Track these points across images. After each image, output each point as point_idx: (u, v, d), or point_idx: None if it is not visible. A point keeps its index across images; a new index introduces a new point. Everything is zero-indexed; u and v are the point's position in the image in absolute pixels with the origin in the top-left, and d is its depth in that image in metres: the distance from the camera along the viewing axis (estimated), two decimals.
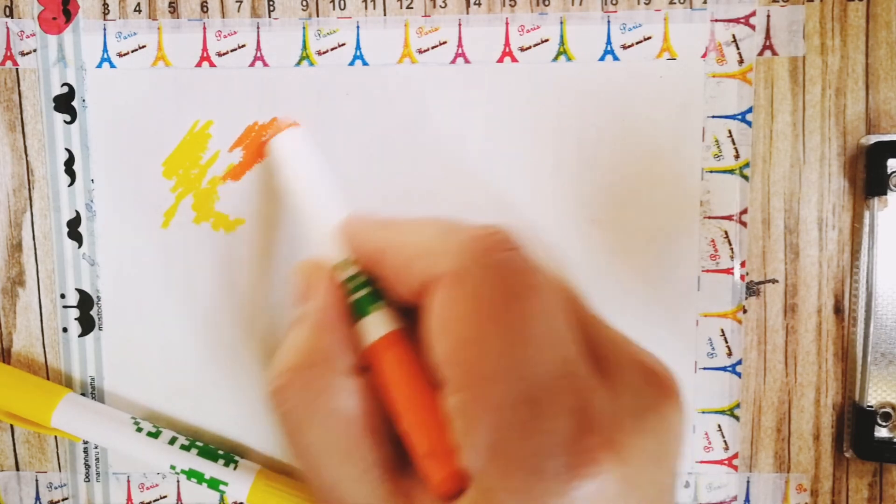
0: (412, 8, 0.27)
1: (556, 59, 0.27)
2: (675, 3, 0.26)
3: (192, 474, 0.27)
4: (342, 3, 0.27)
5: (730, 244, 0.27)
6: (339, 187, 0.25)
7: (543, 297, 0.17)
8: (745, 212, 0.27)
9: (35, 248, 0.28)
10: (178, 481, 0.29)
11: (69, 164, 0.28)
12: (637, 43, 0.26)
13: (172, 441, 0.27)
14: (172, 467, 0.27)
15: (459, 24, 0.27)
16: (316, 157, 0.26)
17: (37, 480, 0.29)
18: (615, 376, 0.17)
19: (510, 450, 0.16)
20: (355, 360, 0.20)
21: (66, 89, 0.27)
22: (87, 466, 0.29)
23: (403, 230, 0.20)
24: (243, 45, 0.27)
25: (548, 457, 0.15)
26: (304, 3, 0.27)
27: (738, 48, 0.26)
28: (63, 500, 0.29)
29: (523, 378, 0.16)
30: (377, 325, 0.20)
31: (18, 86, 0.27)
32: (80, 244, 0.28)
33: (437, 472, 0.17)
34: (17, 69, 0.27)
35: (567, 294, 0.19)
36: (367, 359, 0.20)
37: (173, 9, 0.27)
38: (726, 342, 0.28)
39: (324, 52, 0.27)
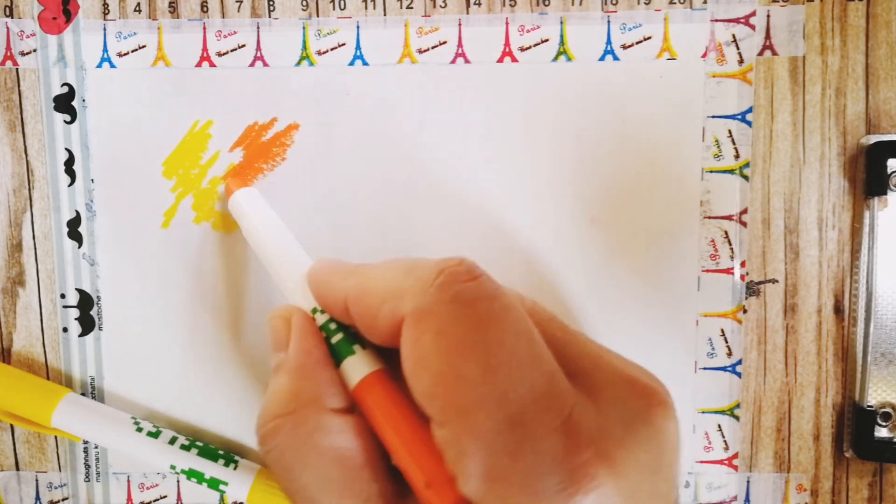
0: (412, 8, 0.27)
1: (556, 59, 0.27)
2: (675, 3, 0.26)
3: (192, 474, 0.27)
4: (342, 3, 0.27)
5: (730, 244, 0.27)
6: (345, 184, 0.25)
7: (513, 318, 0.17)
8: (745, 212, 0.27)
9: (35, 248, 0.28)
10: (178, 481, 0.29)
11: (69, 164, 0.28)
12: (637, 43, 0.26)
13: (172, 441, 0.27)
14: (172, 467, 0.27)
15: (459, 24, 0.27)
16: (272, 212, 0.26)
17: (37, 480, 0.29)
18: (598, 390, 0.17)
19: (504, 474, 0.16)
20: (343, 400, 0.20)
21: (66, 89, 0.27)
22: (87, 466, 0.29)
23: (366, 277, 0.20)
24: (243, 45, 0.27)
25: (542, 476, 0.15)
26: (304, 3, 0.27)
27: (738, 48, 0.26)
28: (63, 500, 0.29)
29: (505, 402, 0.16)
30: (357, 367, 0.20)
31: (18, 86, 0.27)
32: (80, 244, 0.28)
33: (440, 502, 0.17)
34: (17, 69, 0.27)
35: (539, 315, 0.19)
36: (354, 400, 0.20)
37: (173, 9, 0.27)
38: (726, 342, 0.28)
39: (324, 52, 0.27)
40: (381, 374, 0.20)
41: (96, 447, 0.29)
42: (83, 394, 0.28)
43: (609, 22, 0.26)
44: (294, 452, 0.19)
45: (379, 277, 0.19)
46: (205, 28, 0.27)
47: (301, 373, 0.20)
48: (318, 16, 0.27)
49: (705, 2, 0.26)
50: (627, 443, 0.16)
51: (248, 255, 0.28)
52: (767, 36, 0.26)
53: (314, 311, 0.22)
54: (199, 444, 0.27)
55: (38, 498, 0.29)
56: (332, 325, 0.21)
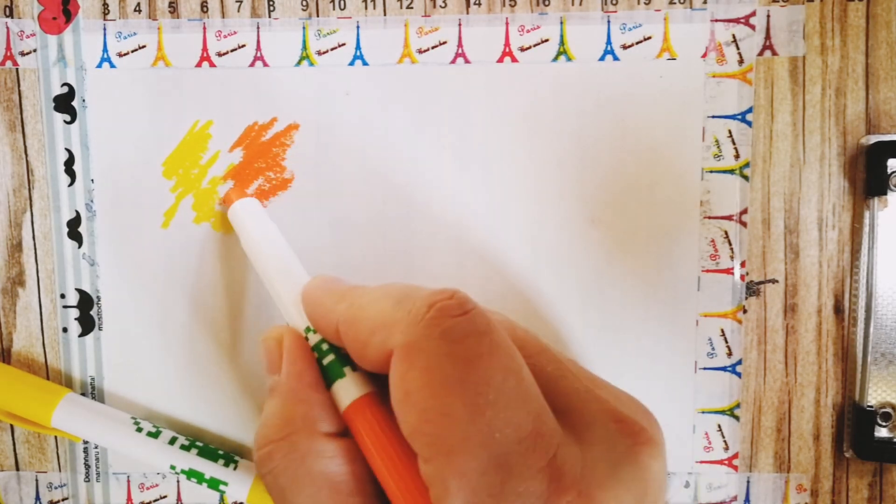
0: (412, 8, 0.27)
1: (556, 59, 0.27)
2: (675, 3, 0.26)
3: (192, 474, 0.27)
4: (342, 3, 0.27)
5: (730, 244, 0.27)
6: (341, 180, 0.25)
7: (501, 356, 0.17)
8: (745, 212, 0.27)
9: (35, 248, 0.28)
10: (178, 481, 0.29)
11: (69, 164, 0.28)
12: (637, 43, 0.26)
13: (172, 441, 0.27)
14: (172, 467, 0.27)
15: (459, 24, 0.27)
16: (271, 224, 0.26)
17: (37, 480, 0.29)
18: (586, 429, 0.17)
19: None
20: (335, 423, 0.20)
21: (66, 89, 0.27)
22: (87, 466, 0.29)
23: (358, 303, 0.20)
24: (243, 45, 0.27)
25: None
26: (304, 3, 0.27)
27: (738, 48, 0.26)
28: (63, 500, 0.29)
29: (490, 442, 0.16)
30: (348, 389, 0.20)
31: (18, 86, 0.27)
32: (80, 244, 0.28)
33: None
34: (17, 69, 0.27)
35: (530, 348, 0.19)
36: (345, 421, 0.20)
37: (173, 9, 0.27)
38: (726, 342, 0.28)
39: (324, 52, 0.27)
40: (370, 397, 0.20)
41: (96, 447, 0.29)
42: (83, 394, 0.28)
43: (609, 22, 0.26)
44: (288, 477, 0.19)
45: (370, 305, 0.19)
46: (205, 28, 0.27)
47: (293, 396, 0.20)
48: (318, 16, 0.27)
49: (705, 2, 0.26)
50: (611, 484, 0.16)
51: (247, 256, 0.28)
52: (767, 36, 0.26)
53: (308, 329, 0.22)
54: (199, 444, 0.27)
55: (38, 498, 0.29)
56: (325, 346, 0.21)
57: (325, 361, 0.21)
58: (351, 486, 0.19)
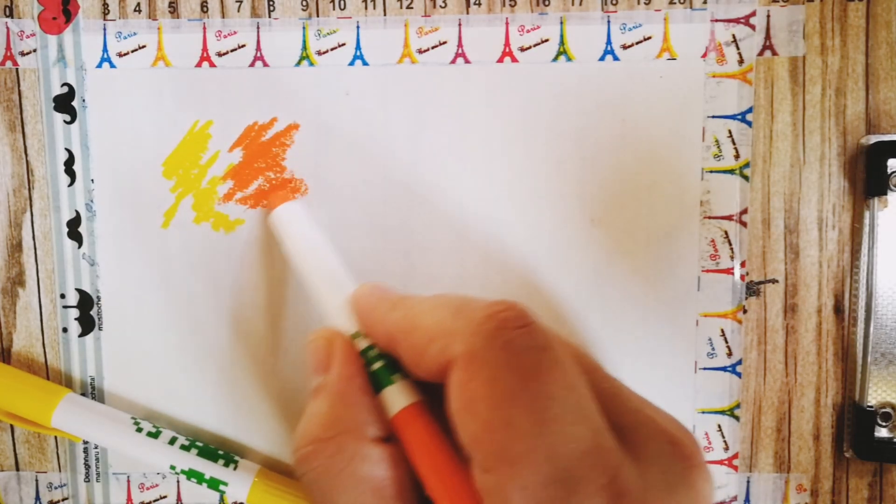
0: (412, 8, 0.27)
1: (556, 59, 0.27)
2: (675, 3, 0.26)
3: (192, 474, 0.27)
4: (342, 3, 0.27)
5: (730, 244, 0.27)
6: (349, 181, 0.25)
7: (563, 371, 0.17)
8: (745, 212, 0.27)
9: (35, 248, 0.28)
10: (178, 481, 0.29)
11: (69, 164, 0.28)
12: (637, 43, 0.26)
13: (172, 441, 0.27)
14: (172, 467, 0.27)
15: (459, 24, 0.27)
16: (318, 228, 0.26)
17: (37, 480, 0.29)
18: (642, 449, 0.17)
19: None
20: (381, 428, 0.20)
21: (66, 89, 0.27)
22: (87, 466, 0.29)
23: (414, 311, 0.20)
24: (243, 45, 0.27)
25: None
26: (304, 3, 0.27)
27: (738, 48, 0.26)
28: (63, 500, 0.29)
29: (553, 456, 0.16)
30: (397, 397, 0.20)
31: (18, 86, 0.27)
32: (80, 244, 0.28)
33: None
34: (17, 69, 0.27)
35: (585, 365, 0.19)
36: (392, 428, 0.20)
37: (173, 9, 0.27)
38: (726, 342, 0.27)
39: (324, 52, 0.27)
40: (419, 406, 0.20)
41: (96, 447, 0.29)
42: (83, 394, 0.28)
43: (609, 22, 0.26)
44: (331, 478, 0.19)
45: (427, 314, 0.19)
46: (205, 28, 0.27)
47: (342, 399, 0.20)
48: (318, 16, 0.27)
49: (705, 2, 0.26)
50: None
51: (247, 256, 0.28)
52: (767, 36, 0.26)
53: (354, 335, 0.22)
54: (199, 444, 0.27)
55: (38, 498, 0.29)
56: (372, 353, 0.21)
57: (374, 368, 0.21)
58: (394, 491, 0.19)
